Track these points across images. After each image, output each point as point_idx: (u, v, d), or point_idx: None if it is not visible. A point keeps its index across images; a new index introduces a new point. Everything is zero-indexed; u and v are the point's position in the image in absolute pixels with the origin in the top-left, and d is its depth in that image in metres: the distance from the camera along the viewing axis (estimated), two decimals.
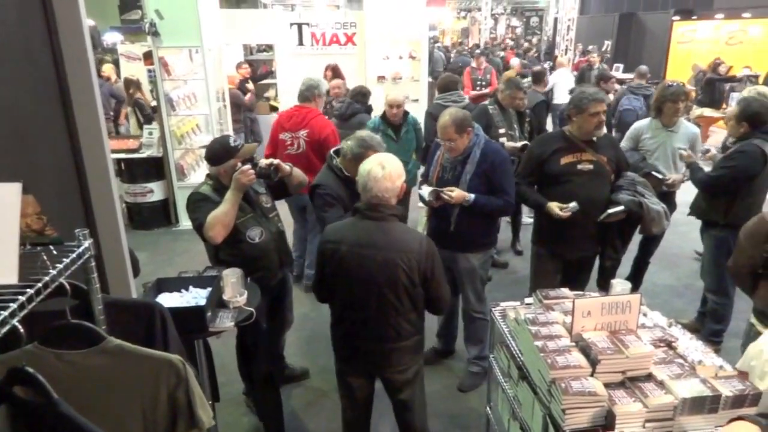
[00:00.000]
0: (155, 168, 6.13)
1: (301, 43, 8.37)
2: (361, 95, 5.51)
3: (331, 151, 3.08)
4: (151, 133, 6.12)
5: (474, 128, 3.14)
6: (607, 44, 18.00)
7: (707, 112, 9.68)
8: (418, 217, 3.49)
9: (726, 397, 1.74)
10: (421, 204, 3.31)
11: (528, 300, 2.41)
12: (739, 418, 1.17)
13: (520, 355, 2.12)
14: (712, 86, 10.42)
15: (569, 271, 3.28)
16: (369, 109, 5.55)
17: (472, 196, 3.05)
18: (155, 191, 6.16)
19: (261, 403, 2.96)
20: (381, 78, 8.45)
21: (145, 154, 6.07)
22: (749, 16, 13.39)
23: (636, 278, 4.28)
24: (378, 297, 2.21)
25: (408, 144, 4.84)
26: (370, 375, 2.47)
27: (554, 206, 3.06)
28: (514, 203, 3.25)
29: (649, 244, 4.14)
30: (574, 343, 1.93)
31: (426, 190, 3.19)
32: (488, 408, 2.69)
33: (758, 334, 2.24)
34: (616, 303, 1.95)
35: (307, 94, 4.38)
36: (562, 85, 9.14)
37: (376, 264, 2.17)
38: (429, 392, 3.41)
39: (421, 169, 4.14)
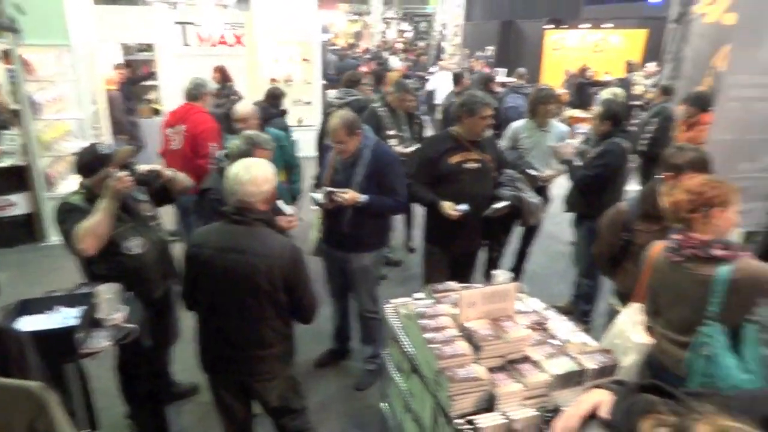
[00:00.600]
0: (18, 178, 5.50)
1: (186, 43, 7.99)
2: (274, 98, 5.39)
3: (222, 153, 2.98)
4: (12, 140, 5.49)
5: (364, 130, 3.19)
6: (491, 50, 19.11)
7: (577, 113, 10.63)
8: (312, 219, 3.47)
9: (591, 370, 1.92)
10: (314, 207, 3.31)
11: (418, 295, 2.49)
12: (596, 386, 1.30)
13: (410, 348, 2.18)
14: (582, 90, 11.46)
15: (458, 265, 3.43)
16: (283, 113, 5.46)
17: (364, 196, 3.09)
18: (18, 204, 5.53)
19: (144, 425, 2.78)
20: (273, 80, 8.31)
21: (6, 163, 5.43)
22: (611, 26, 14.90)
23: (519, 267, 4.59)
24: (239, 303, 2.19)
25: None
26: (243, 390, 2.41)
27: (448, 205, 3.18)
28: (406, 203, 3.35)
29: (529, 234, 4.46)
30: (460, 333, 2.02)
31: (319, 193, 3.20)
32: (383, 404, 2.73)
33: (617, 312, 2.49)
34: (496, 292, 2.07)
35: (195, 92, 4.39)
36: (443, 88, 9.64)
37: (238, 269, 2.14)
38: (326, 394, 3.44)
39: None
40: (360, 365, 3.61)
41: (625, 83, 9.26)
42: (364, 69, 10.11)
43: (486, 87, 6.52)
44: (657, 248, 2.23)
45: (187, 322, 2.67)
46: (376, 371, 3.40)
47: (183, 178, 2.85)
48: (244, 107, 4.03)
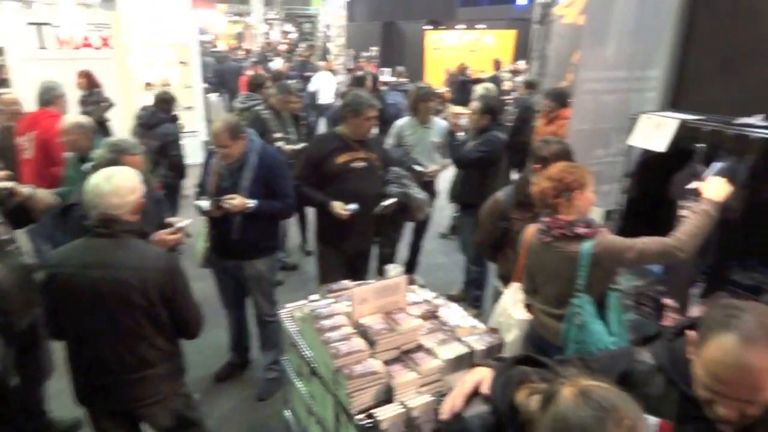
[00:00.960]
0: None
1: (42, 46, 7.24)
2: (164, 102, 5.06)
3: (88, 165, 2.74)
4: None
5: (248, 134, 3.13)
6: (375, 50, 19.50)
7: (458, 109, 11.19)
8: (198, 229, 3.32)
9: (480, 350, 2.03)
10: (200, 215, 3.18)
11: (313, 297, 2.48)
12: (478, 365, 1.39)
13: (308, 351, 2.17)
14: (463, 87, 12.08)
15: (353, 263, 3.46)
16: (174, 118, 5.16)
17: (253, 202, 3.03)
18: None
19: None
20: (149, 85, 7.81)
21: None
22: (484, 27, 15.86)
23: (412, 260, 4.75)
24: (111, 323, 2.02)
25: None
26: (128, 418, 2.25)
27: (338, 205, 3.19)
28: (295, 205, 3.32)
29: (420, 228, 4.62)
30: (355, 330, 2.05)
31: (204, 201, 3.07)
32: (287, 411, 2.70)
33: (501, 293, 2.67)
34: (387, 286, 2.12)
35: (46, 97, 4.15)
36: (325, 87, 9.71)
37: (106, 286, 1.97)
38: (228, 408, 3.32)
39: None
40: (261, 374, 3.52)
41: (495, 80, 9.91)
42: (249, 72, 9.85)
43: (375, 87, 6.72)
44: (530, 231, 2.42)
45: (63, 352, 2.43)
46: (277, 379, 3.34)
47: (44, 196, 2.58)
48: (69, 120, 3.60)
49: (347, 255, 3.43)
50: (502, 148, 3.98)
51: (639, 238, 2.17)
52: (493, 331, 2.48)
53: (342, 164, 3.24)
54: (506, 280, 2.77)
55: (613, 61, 3.42)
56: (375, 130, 3.57)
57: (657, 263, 2.66)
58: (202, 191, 3.24)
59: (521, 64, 11.43)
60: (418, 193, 3.47)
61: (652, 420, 1.30)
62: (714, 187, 2.24)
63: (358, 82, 7.00)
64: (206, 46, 16.24)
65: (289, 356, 2.46)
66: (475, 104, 4.11)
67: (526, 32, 10.76)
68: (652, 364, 1.33)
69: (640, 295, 3.44)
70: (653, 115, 3.13)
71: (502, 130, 4.05)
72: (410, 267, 4.80)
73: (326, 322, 2.09)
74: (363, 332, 2.00)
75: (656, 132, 3.01)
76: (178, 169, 5.15)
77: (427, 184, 4.27)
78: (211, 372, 3.56)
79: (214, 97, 9.66)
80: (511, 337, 2.44)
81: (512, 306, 2.49)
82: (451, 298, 4.63)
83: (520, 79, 10.59)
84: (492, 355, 2.05)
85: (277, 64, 10.21)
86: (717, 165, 2.82)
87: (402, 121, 4.47)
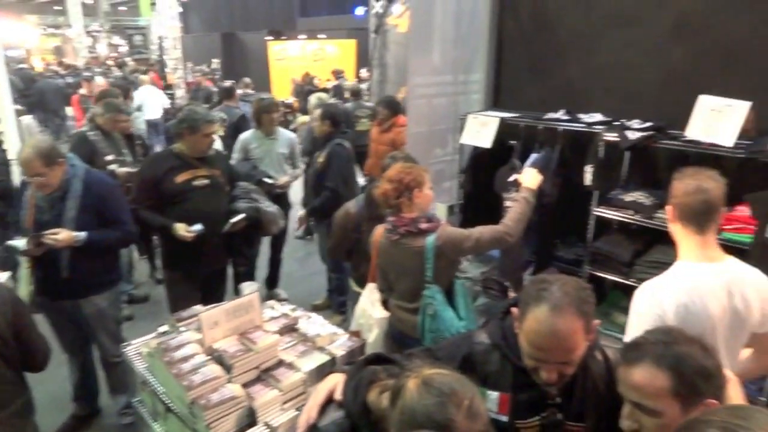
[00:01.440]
0: None
1: None
2: None
3: None
4: None
5: (68, 158, 2.80)
6: (216, 62, 18.78)
7: (307, 119, 11.25)
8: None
9: (341, 356, 2.05)
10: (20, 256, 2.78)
11: (162, 328, 2.30)
12: (330, 372, 1.41)
13: (161, 388, 2.01)
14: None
15: (208, 286, 3.30)
16: None
17: (82, 234, 2.72)
18: None
19: None
20: None
21: None
22: (324, 37, 16.12)
23: (273, 275, 4.66)
24: None
25: None
26: None
27: (181, 227, 3.01)
28: (134, 231, 3.05)
29: (277, 242, 4.54)
30: (209, 357, 1.94)
31: (19, 240, 2.69)
32: None
33: (358, 294, 2.73)
34: (239, 306, 2.05)
35: None
36: (150, 102, 9.04)
37: None
38: None
39: None
40: (115, 421, 3.19)
41: (338, 89, 10.17)
42: (83, 91, 8.87)
43: (229, 99, 6.46)
44: (379, 232, 2.51)
45: None
46: (132, 424, 3.05)
47: None
48: None
49: (200, 279, 3.25)
50: (347, 156, 4.06)
51: (475, 228, 2.37)
52: (355, 334, 2.52)
53: (182, 183, 3.07)
54: (362, 281, 2.84)
55: (440, 67, 3.70)
56: (218, 144, 3.42)
57: (492, 249, 2.91)
58: (17, 228, 2.84)
59: (363, 72, 11.84)
60: (269, 207, 3.40)
61: (494, 394, 1.42)
62: (528, 177, 2.53)
63: (227, 93, 6.69)
64: (13, 62, 14.33)
65: (142, 396, 2.26)
66: (317, 112, 4.16)
67: (366, 41, 11.17)
68: (488, 344, 1.46)
69: (486, 280, 3.76)
70: (479, 115, 3.45)
71: (346, 137, 4.14)
72: (272, 282, 4.70)
73: (176, 354, 1.96)
74: (218, 358, 1.91)
75: (482, 130, 3.31)
76: (4, 198, 4.45)
77: (280, 196, 4.22)
78: (53, 429, 3.12)
79: (28, 119, 8.46)
80: (373, 336, 2.51)
81: (370, 306, 2.55)
82: (316, 308, 4.64)
83: (365, 86, 10.95)
84: (354, 358, 2.08)
85: (100, 79, 9.25)
86: (533, 156, 3.19)
87: (246, 134, 4.36)
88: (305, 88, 12.47)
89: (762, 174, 2.46)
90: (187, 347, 2.00)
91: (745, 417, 0.83)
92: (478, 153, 3.55)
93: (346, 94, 9.21)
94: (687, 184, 1.69)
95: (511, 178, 3.08)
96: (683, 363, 1.11)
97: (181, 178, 3.08)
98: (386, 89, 6.77)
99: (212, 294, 3.20)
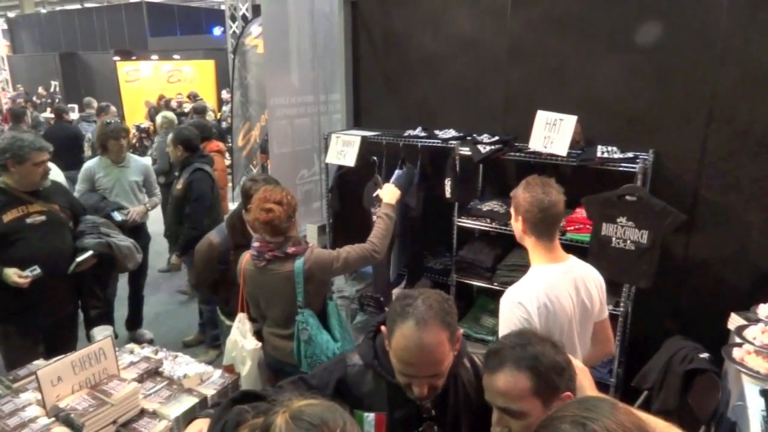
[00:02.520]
0: None
1: None
2: None
3: None
4: None
5: None
6: (55, 84, 17.00)
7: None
8: None
9: (212, 395, 1.92)
10: None
11: None
12: (193, 418, 1.30)
13: None
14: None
15: (52, 337, 2.90)
16: None
17: None
18: None
19: None
20: None
21: None
22: (179, 58, 15.35)
23: (135, 315, 4.25)
24: None
25: None
26: None
27: (12, 273, 2.62)
28: None
29: (136, 279, 4.17)
30: (53, 419, 1.70)
31: None
32: None
33: (229, 327, 2.58)
34: (89, 354, 1.83)
35: None
36: None
37: None
38: None
39: None
40: None
41: (201, 110, 9.77)
42: None
43: (60, 119, 6.12)
44: (246, 259, 2.41)
45: None
46: None
47: None
48: None
49: (42, 329, 2.86)
50: (209, 182, 3.85)
51: (343, 248, 2.37)
52: (228, 369, 2.39)
53: (12, 222, 2.68)
54: (230, 313, 2.70)
55: (300, 87, 3.69)
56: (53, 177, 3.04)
57: (361, 267, 2.94)
58: None
59: (224, 93, 11.47)
60: (123, 241, 3.09)
61: (370, 416, 1.41)
62: (387, 193, 2.61)
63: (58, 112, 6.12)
64: None
65: None
66: (170, 137, 3.91)
67: (225, 62, 10.82)
68: (361, 364, 1.45)
69: (362, 297, 3.79)
70: (341, 134, 3.49)
71: (206, 161, 3.92)
72: (133, 323, 4.29)
73: (12, 421, 1.69)
74: (64, 418, 1.68)
75: (346, 149, 3.36)
76: None
77: (137, 228, 3.88)
78: None
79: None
80: (246, 369, 2.39)
81: (241, 338, 2.43)
82: (188, 344, 4.31)
83: (227, 108, 10.58)
84: (228, 395, 1.95)
85: None
86: (397, 172, 3.30)
87: (91, 163, 3.94)
88: (162, 110, 11.73)
89: (592, 179, 2.80)
90: (27, 410, 1.74)
91: (591, 408, 0.92)
92: (343, 171, 3.59)
93: (209, 116, 8.89)
94: (535, 198, 1.77)
95: (375, 194, 3.16)
96: (539, 362, 1.17)
97: (10, 216, 2.69)
98: (249, 110, 6.61)
99: (59, 345, 2.82)
